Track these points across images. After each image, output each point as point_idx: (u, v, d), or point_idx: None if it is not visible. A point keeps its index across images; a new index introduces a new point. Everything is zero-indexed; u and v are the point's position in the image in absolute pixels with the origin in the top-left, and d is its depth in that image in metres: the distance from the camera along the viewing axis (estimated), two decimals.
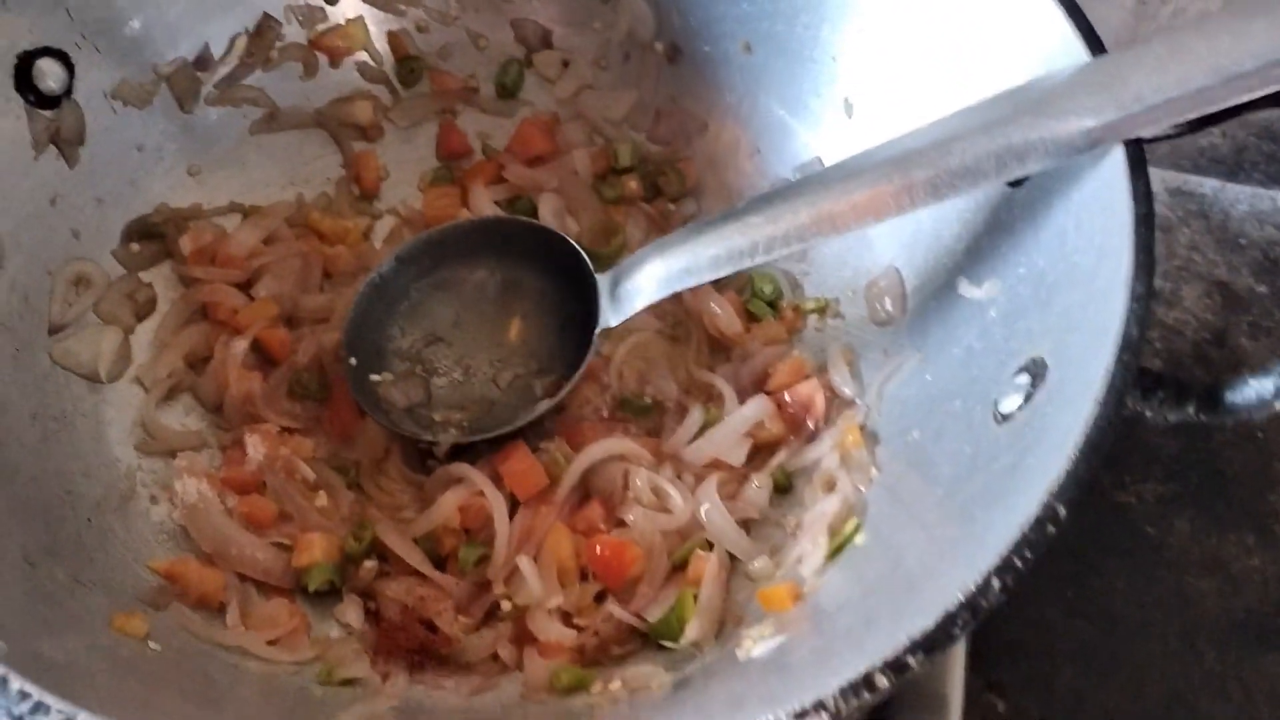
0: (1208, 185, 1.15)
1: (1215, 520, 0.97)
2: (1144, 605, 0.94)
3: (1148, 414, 0.66)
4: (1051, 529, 0.58)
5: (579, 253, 0.90)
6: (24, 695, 0.56)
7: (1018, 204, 0.78)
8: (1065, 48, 0.75)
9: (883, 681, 0.55)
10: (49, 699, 0.56)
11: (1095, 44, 0.75)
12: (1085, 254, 0.70)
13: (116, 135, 0.91)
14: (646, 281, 0.84)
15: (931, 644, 0.56)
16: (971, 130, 0.73)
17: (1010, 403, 0.70)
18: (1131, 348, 0.63)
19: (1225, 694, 0.90)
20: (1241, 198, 1.15)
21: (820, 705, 0.55)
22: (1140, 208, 0.68)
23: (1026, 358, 0.71)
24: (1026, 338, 0.73)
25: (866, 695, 0.55)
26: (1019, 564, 0.58)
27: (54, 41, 0.86)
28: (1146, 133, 0.70)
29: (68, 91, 0.87)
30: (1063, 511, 0.59)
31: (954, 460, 0.72)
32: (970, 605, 0.57)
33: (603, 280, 0.87)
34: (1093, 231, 0.70)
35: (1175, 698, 0.90)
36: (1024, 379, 0.70)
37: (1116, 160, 0.70)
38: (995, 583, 0.57)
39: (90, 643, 0.68)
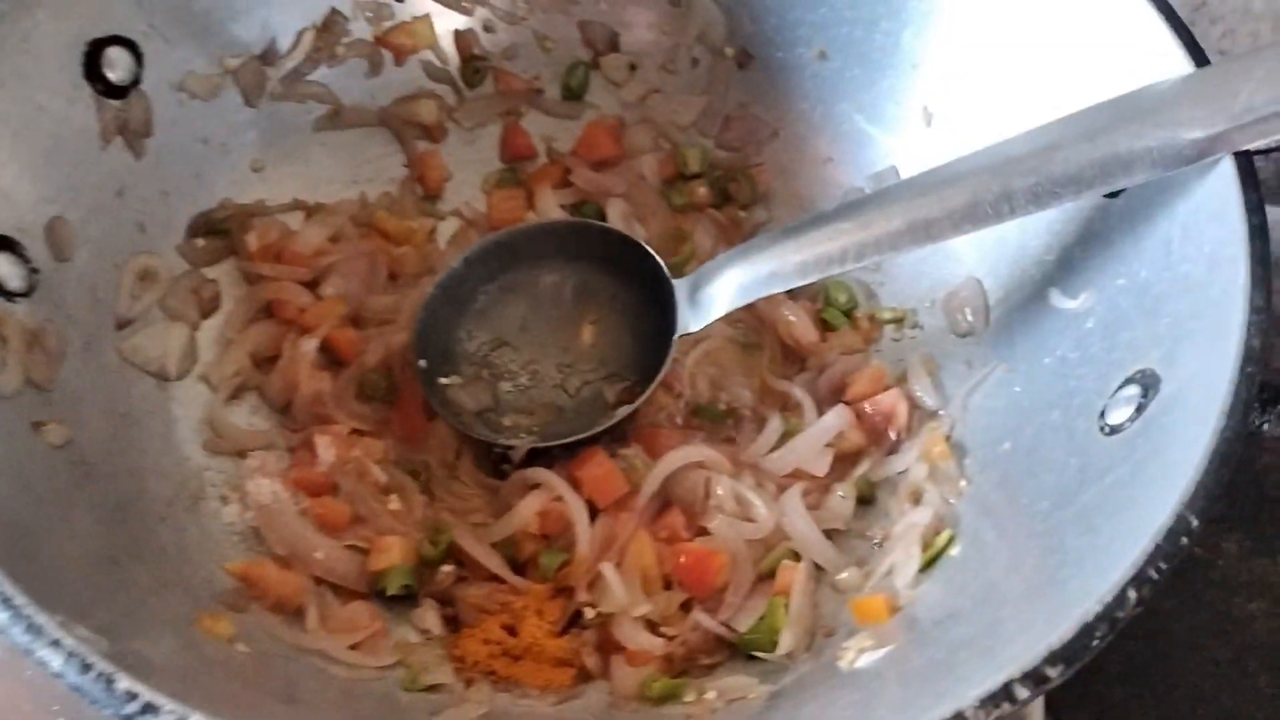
0: None
1: (1263, 542, 0.97)
2: (1193, 626, 0.93)
3: (1265, 427, 0.65)
4: (1184, 540, 0.58)
5: (654, 258, 0.88)
6: (131, 695, 0.54)
7: (1113, 214, 0.77)
8: (1166, 59, 0.75)
9: (1022, 692, 0.54)
10: (160, 699, 0.54)
11: (1198, 55, 0.74)
12: (1195, 264, 0.69)
13: (183, 128, 0.89)
14: (727, 287, 0.83)
15: (1071, 655, 0.55)
16: (1074, 138, 0.72)
17: (1119, 414, 0.69)
18: (1254, 359, 0.62)
19: (1276, 717, 0.89)
20: None
21: (960, 716, 0.54)
22: (1254, 219, 0.67)
23: (1134, 369, 0.70)
24: (1131, 349, 0.72)
25: (1007, 706, 0.54)
26: (1154, 575, 0.57)
27: (123, 30, 0.84)
28: (1256, 144, 0.69)
29: (135, 82, 0.85)
30: (1195, 522, 0.58)
31: (1059, 472, 0.71)
32: (1107, 616, 0.56)
33: (680, 285, 0.86)
34: (1202, 242, 0.70)
35: (1227, 719, 0.89)
36: (1133, 390, 0.69)
37: (1225, 172, 0.69)
38: (1131, 594, 0.56)
39: (182, 643, 0.66)
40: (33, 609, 0.56)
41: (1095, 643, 0.55)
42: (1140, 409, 0.68)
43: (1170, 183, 0.72)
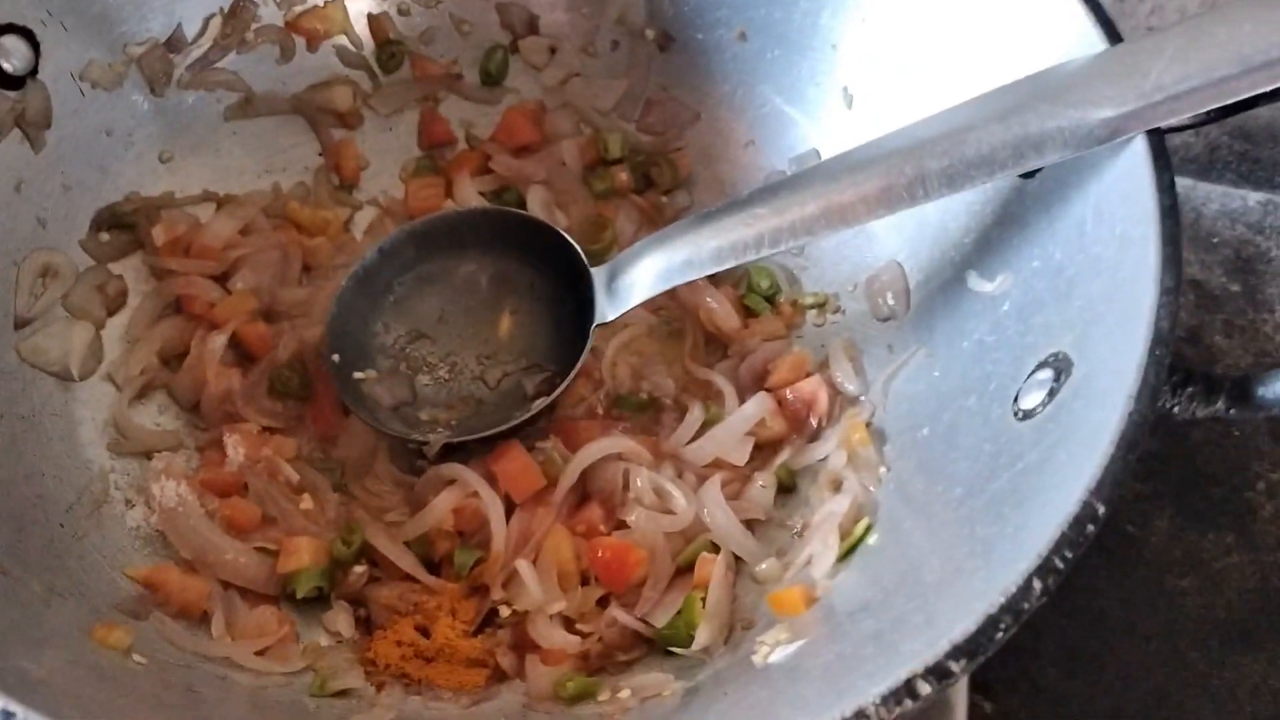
0: (1180, 185, 1.15)
1: (1194, 518, 0.97)
2: (1126, 604, 0.93)
3: (1175, 409, 0.64)
4: (1091, 528, 0.57)
5: (572, 245, 0.87)
6: (7, 714, 0.52)
7: (1029, 195, 0.77)
8: (1081, 37, 0.74)
9: (925, 688, 0.53)
10: (33, 718, 0.52)
11: (1112, 34, 0.73)
12: (1106, 246, 0.69)
13: (84, 118, 0.87)
14: (645, 274, 0.82)
15: (974, 649, 0.54)
16: (986, 119, 0.71)
17: (1032, 399, 0.68)
18: (1163, 342, 0.61)
19: (1208, 693, 0.90)
20: (1213, 197, 1.15)
21: (861, 714, 0.53)
22: (1165, 199, 0.66)
23: (1047, 352, 0.69)
24: (1045, 332, 0.71)
25: (909, 703, 0.53)
26: (1059, 564, 0.56)
27: (18, 18, 0.82)
28: (1168, 123, 0.68)
29: (33, 71, 0.83)
30: (1102, 510, 0.57)
31: (973, 458, 0.70)
32: (1012, 608, 0.55)
33: (598, 273, 0.85)
34: (1114, 222, 0.69)
35: (1160, 697, 0.90)
36: (1046, 374, 0.68)
37: (1138, 151, 0.68)
38: (1036, 584, 0.56)
39: (71, 657, 0.64)
40: None
41: (1000, 635, 0.55)
42: (1052, 393, 0.67)
43: (1084, 163, 0.71)
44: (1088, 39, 0.73)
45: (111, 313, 0.87)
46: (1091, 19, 0.73)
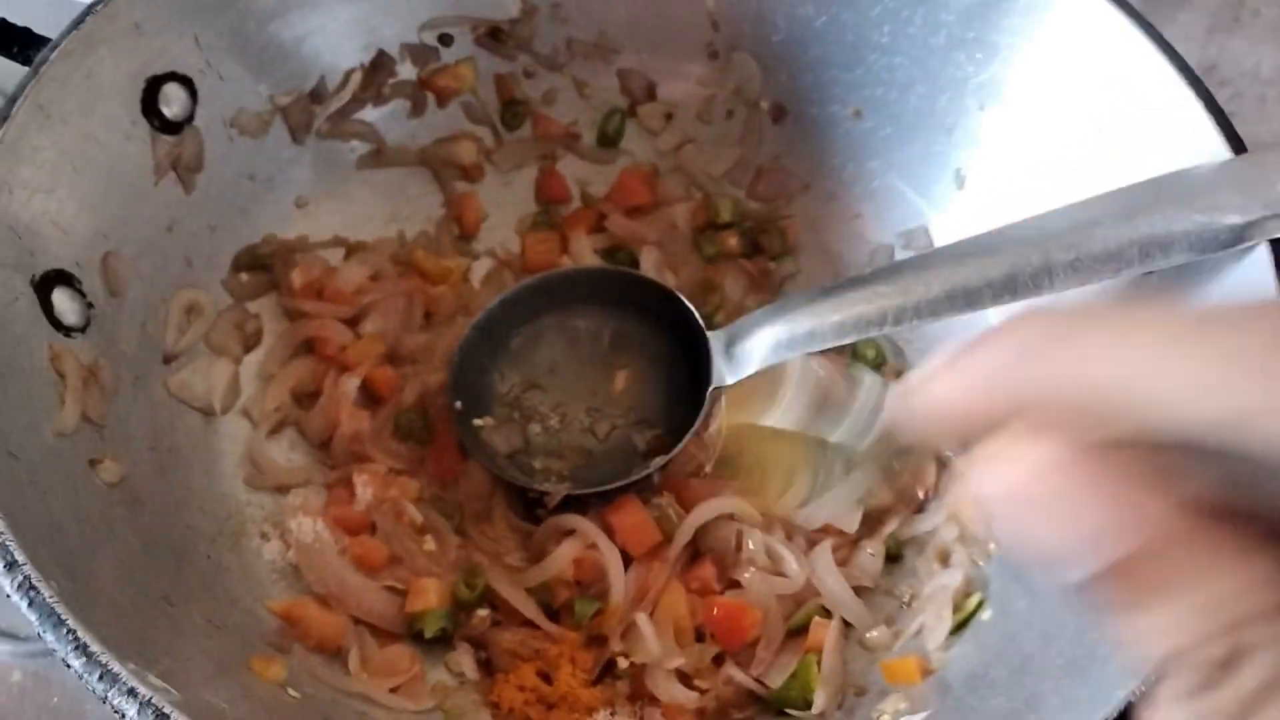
0: None
1: None
2: None
3: None
4: None
5: (689, 308, 0.90)
6: None
7: (1148, 290, 0.79)
8: (1204, 144, 0.77)
9: None
10: None
11: (1236, 143, 0.76)
12: None
13: (231, 163, 0.90)
14: (764, 343, 0.84)
15: None
16: (1114, 216, 0.74)
17: None
18: None
19: None
20: None
21: None
22: None
23: None
24: None
25: None
26: None
27: (181, 67, 0.85)
28: None
29: (190, 118, 0.86)
30: None
31: None
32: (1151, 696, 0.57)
33: (715, 338, 0.88)
34: None
35: None
36: None
37: (1261, 258, 0.71)
38: None
39: (241, 689, 0.67)
40: (108, 656, 0.57)
41: None
42: None
43: (1206, 264, 0.74)
44: (1210, 146, 0.76)
45: (248, 350, 0.90)
46: (1216, 128, 0.76)
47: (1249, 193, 0.71)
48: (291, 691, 0.71)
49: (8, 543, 0.60)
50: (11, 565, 0.60)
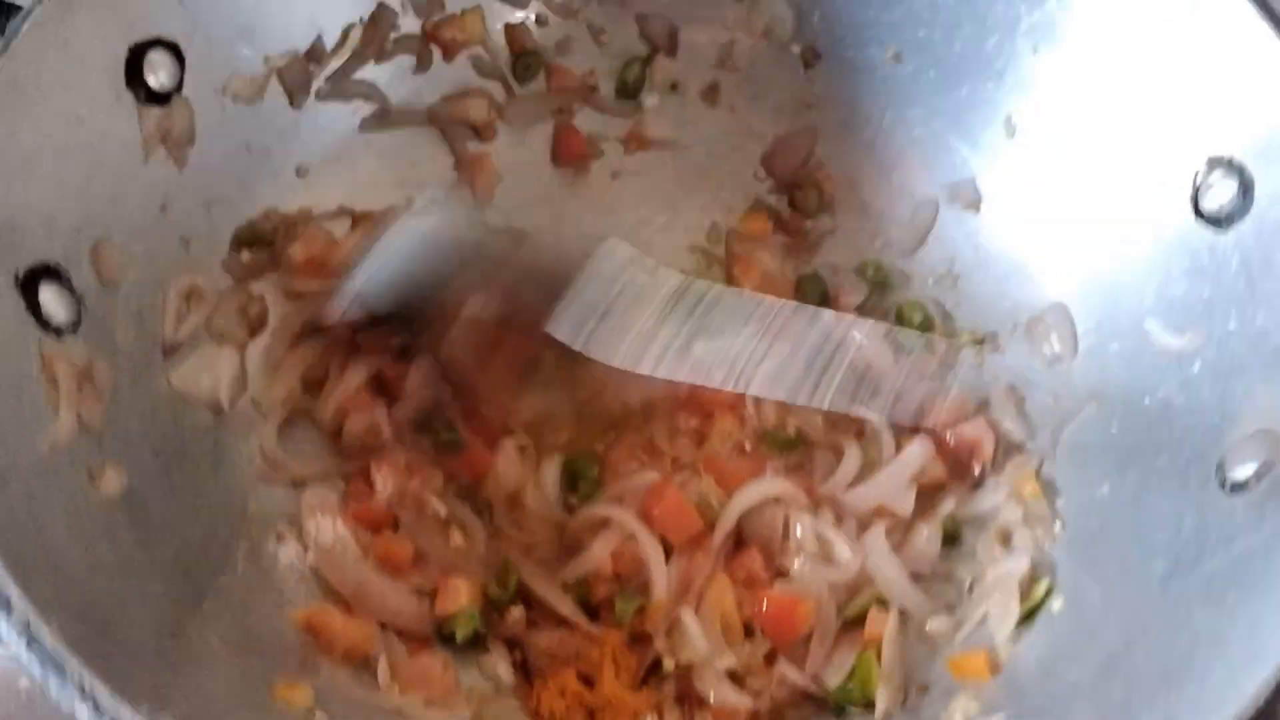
0: None
1: None
2: None
3: None
4: None
5: None
6: None
7: (1222, 251, 0.73)
8: (1269, 76, 0.70)
9: None
10: None
11: None
12: None
13: (225, 134, 0.83)
14: None
15: None
16: None
17: (1243, 470, 0.65)
18: None
19: None
20: None
21: None
22: None
23: (1255, 426, 0.66)
24: (1248, 401, 0.68)
25: None
26: None
27: (166, 32, 0.78)
28: None
29: (178, 87, 0.79)
30: None
31: (1171, 528, 0.68)
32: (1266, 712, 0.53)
33: None
34: None
35: None
36: (1256, 447, 0.65)
37: None
38: None
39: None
40: (116, 704, 0.52)
41: None
42: (1269, 467, 0.64)
43: None
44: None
45: (253, 334, 0.84)
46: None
47: None
48: (320, 716, 0.66)
49: (1, 579, 0.55)
50: (7, 605, 0.54)
